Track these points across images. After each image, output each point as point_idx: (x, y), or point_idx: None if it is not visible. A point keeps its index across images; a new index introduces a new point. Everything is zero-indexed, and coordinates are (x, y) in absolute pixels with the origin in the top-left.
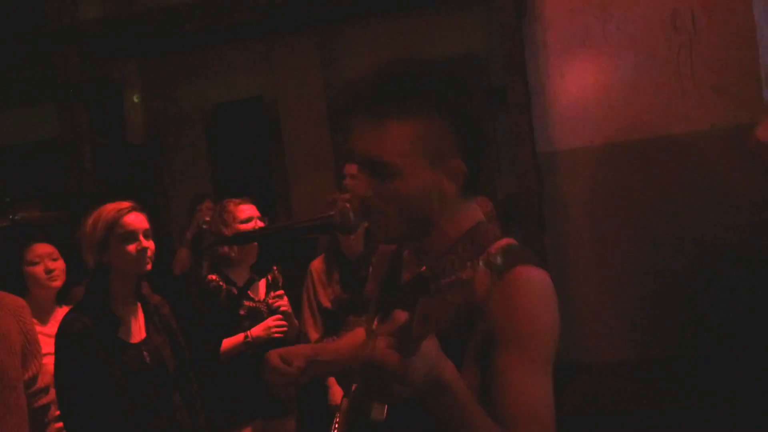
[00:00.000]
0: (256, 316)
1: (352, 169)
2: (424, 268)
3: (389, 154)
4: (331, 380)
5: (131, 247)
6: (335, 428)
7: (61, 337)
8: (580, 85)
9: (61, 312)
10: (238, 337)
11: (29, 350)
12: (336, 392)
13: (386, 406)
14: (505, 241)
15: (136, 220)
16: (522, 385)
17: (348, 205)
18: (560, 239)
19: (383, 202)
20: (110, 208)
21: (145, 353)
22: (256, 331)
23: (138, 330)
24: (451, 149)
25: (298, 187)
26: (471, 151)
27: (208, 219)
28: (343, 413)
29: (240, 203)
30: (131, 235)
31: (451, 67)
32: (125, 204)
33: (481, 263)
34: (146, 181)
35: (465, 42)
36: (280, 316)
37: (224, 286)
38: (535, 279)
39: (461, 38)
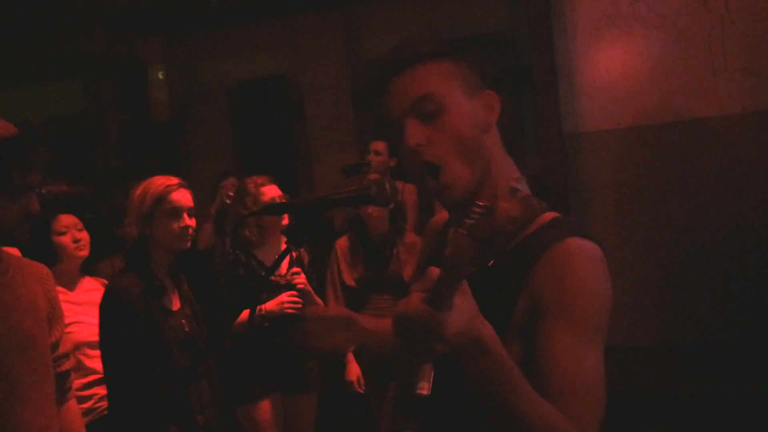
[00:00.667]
0: (274, 289)
1: (378, 146)
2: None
3: (427, 87)
4: (350, 356)
5: (176, 224)
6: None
7: (116, 301)
8: (608, 66)
9: (87, 282)
10: (254, 310)
11: (54, 316)
12: (352, 369)
13: (431, 381)
14: (553, 214)
15: (183, 197)
16: (573, 358)
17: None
18: (584, 221)
19: (438, 147)
20: (159, 182)
21: (183, 321)
22: (270, 305)
23: (174, 300)
24: (483, 84)
25: (320, 165)
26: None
27: (231, 194)
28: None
29: (262, 184)
30: (177, 212)
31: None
32: (174, 180)
33: (505, 192)
34: (169, 157)
35: (490, 20)
36: (295, 292)
37: (243, 258)
38: (587, 250)
39: (487, 16)
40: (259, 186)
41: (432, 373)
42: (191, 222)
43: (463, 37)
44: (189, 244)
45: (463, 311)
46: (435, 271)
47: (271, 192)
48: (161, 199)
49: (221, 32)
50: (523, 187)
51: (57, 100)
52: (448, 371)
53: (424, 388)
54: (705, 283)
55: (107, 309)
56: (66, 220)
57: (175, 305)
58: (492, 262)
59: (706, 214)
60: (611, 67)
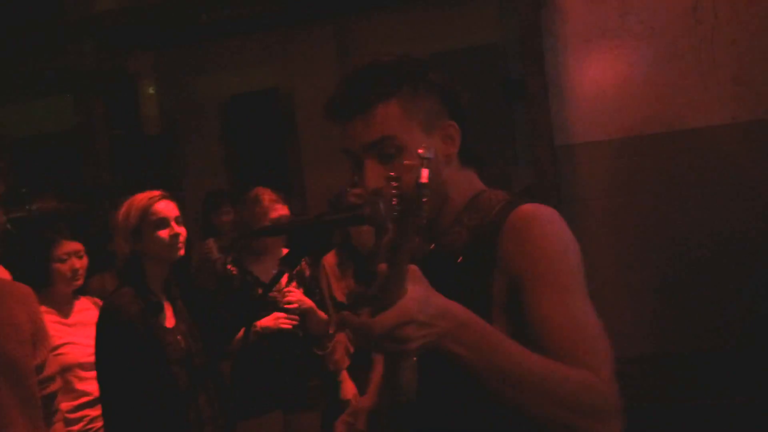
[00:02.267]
0: (270, 306)
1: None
2: (433, 246)
3: (385, 129)
4: (343, 375)
5: (164, 233)
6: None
7: (114, 317)
8: (598, 78)
9: (80, 303)
10: (249, 327)
11: (38, 337)
12: (347, 387)
13: (413, 387)
14: (507, 194)
15: (167, 207)
16: (565, 314)
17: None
18: (577, 233)
19: (399, 186)
20: (141, 197)
21: (179, 338)
22: (265, 322)
23: (170, 316)
24: (439, 112)
25: (312, 179)
26: (456, 115)
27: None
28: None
29: (276, 201)
30: (163, 222)
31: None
32: (155, 192)
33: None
34: (161, 171)
35: (481, 33)
36: (291, 307)
37: (237, 273)
38: (541, 212)
39: (478, 29)
40: (273, 202)
41: (414, 379)
42: (180, 229)
43: (454, 50)
44: (182, 252)
45: (417, 291)
46: (383, 267)
47: (282, 211)
48: (146, 211)
49: (213, 47)
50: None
51: (47, 116)
52: (431, 373)
53: (408, 395)
54: (699, 293)
55: (104, 329)
56: (68, 246)
57: (170, 322)
58: (460, 258)
59: (698, 224)
60: (602, 78)
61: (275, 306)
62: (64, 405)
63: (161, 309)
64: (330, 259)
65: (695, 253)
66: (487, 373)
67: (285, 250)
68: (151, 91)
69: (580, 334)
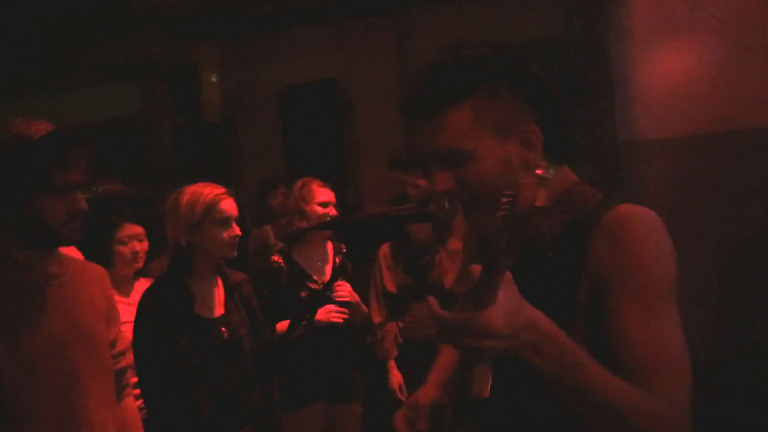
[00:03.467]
0: (318, 299)
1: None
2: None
3: (455, 140)
4: (391, 364)
5: (225, 233)
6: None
7: (139, 311)
8: (665, 74)
9: (140, 284)
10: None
11: (111, 315)
12: (393, 376)
13: (487, 384)
14: (604, 193)
15: (231, 206)
16: (646, 332)
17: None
18: None
19: (468, 191)
20: (208, 191)
21: (223, 329)
22: (317, 315)
23: (218, 305)
24: (517, 115)
25: (368, 170)
26: (541, 113)
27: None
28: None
29: (322, 186)
30: (226, 221)
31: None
32: (221, 188)
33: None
34: (220, 159)
35: (543, 26)
36: (342, 300)
37: (285, 267)
38: (641, 215)
39: (540, 22)
40: (320, 186)
41: (489, 376)
42: (238, 231)
43: (516, 43)
44: (235, 254)
45: (508, 302)
46: (476, 269)
47: (328, 196)
48: (211, 208)
49: (273, 37)
50: (549, 174)
51: (114, 102)
52: (507, 371)
53: (483, 392)
54: (762, 297)
55: (140, 317)
56: (130, 229)
57: (216, 312)
58: (550, 253)
59: (765, 226)
60: (668, 74)
61: (325, 299)
62: (132, 380)
63: (193, 301)
64: (384, 249)
65: (761, 255)
66: (562, 387)
67: (330, 243)
68: (213, 79)
69: (660, 360)
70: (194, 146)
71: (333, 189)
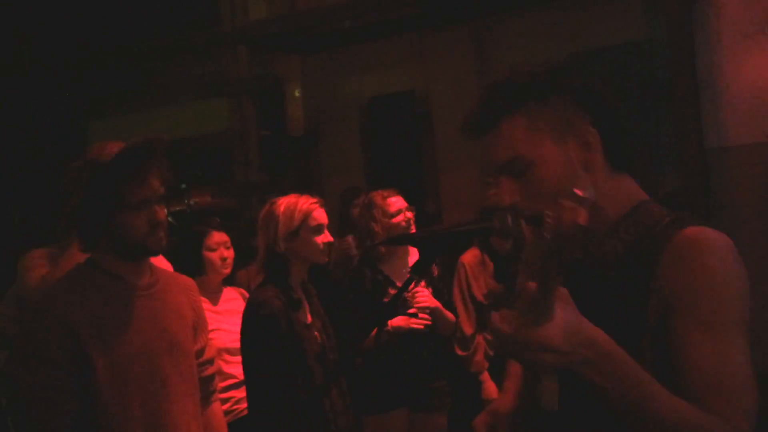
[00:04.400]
0: (401, 306)
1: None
2: (583, 255)
3: (512, 149)
4: (485, 375)
5: (319, 239)
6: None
7: (259, 311)
8: (755, 78)
9: (228, 292)
10: (381, 327)
11: (199, 324)
12: (490, 387)
13: (556, 396)
14: (675, 215)
15: (323, 215)
16: (712, 358)
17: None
18: None
19: (533, 201)
20: (303, 200)
21: (316, 333)
22: (397, 321)
23: (308, 312)
24: (573, 118)
25: (447, 179)
26: (597, 119)
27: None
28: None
29: (387, 196)
30: (320, 228)
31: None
32: (314, 198)
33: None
34: (304, 171)
35: (626, 31)
36: (419, 308)
37: (370, 274)
38: (712, 238)
39: (622, 25)
40: (385, 198)
41: (557, 388)
42: (330, 237)
43: (595, 49)
44: (327, 258)
45: (565, 318)
46: (531, 286)
47: (398, 203)
48: (308, 216)
49: (354, 51)
50: (589, 194)
51: (204, 117)
52: (577, 385)
53: (552, 404)
54: None
55: (249, 320)
56: (218, 237)
57: (308, 318)
58: (613, 273)
59: None
60: (760, 77)
61: (405, 306)
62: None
63: (301, 305)
64: (468, 258)
65: None
66: (621, 405)
67: (413, 250)
68: (296, 93)
69: (725, 384)
70: (279, 159)
71: (400, 193)
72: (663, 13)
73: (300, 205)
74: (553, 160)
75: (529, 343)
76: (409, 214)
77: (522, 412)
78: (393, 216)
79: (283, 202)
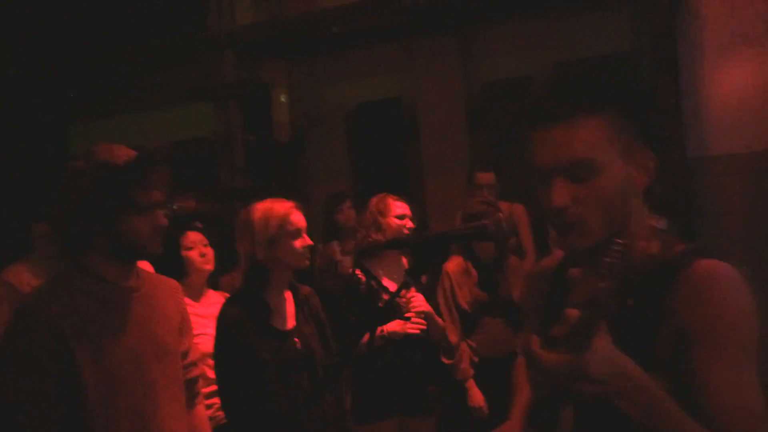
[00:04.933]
0: (394, 311)
1: (484, 177)
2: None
3: (586, 150)
4: (471, 383)
5: (298, 243)
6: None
7: (219, 324)
8: (738, 88)
9: (212, 294)
10: (374, 332)
11: (184, 326)
12: (475, 395)
13: (569, 426)
14: (684, 245)
15: (300, 218)
16: (730, 390)
17: (501, 215)
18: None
19: (584, 207)
20: (279, 205)
21: (296, 339)
22: (392, 326)
23: (290, 318)
24: (640, 143)
25: (432, 186)
26: (655, 147)
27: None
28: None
29: (397, 199)
30: (298, 232)
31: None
32: (290, 202)
33: (645, 230)
34: (290, 177)
35: (611, 41)
36: (415, 312)
37: (364, 279)
38: (723, 271)
39: (607, 37)
40: (395, 200)
41: (571, 418)
42: (309, 241)
43: (581, 59)
44: (308, 263)
45: (605, 349)
46: (573, 313)
47: (404, 209)
48: (285, 221)
49: (341, 57)
50: (662, 225)
51: (189, 122)
52: (590, 416)
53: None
54: None
55: (216, 330)
56: (193, 236)
57: (289, 324)
58: (632, 301)
59: None
60: (741, 88)
61: (399, 312)
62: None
63: (269, 313)
64: (452, 266)
65: None
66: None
67: (404, 257)
68: (283, 99)
69: (740, 412)
70: (265, 164)
71: (407, 202)
72: (647, 24)
73: (276, 210)
74: (617, 175)
75: (568, 371)
76: (411, 224)
77: None
78: (399, 217)
79: (259, 209)
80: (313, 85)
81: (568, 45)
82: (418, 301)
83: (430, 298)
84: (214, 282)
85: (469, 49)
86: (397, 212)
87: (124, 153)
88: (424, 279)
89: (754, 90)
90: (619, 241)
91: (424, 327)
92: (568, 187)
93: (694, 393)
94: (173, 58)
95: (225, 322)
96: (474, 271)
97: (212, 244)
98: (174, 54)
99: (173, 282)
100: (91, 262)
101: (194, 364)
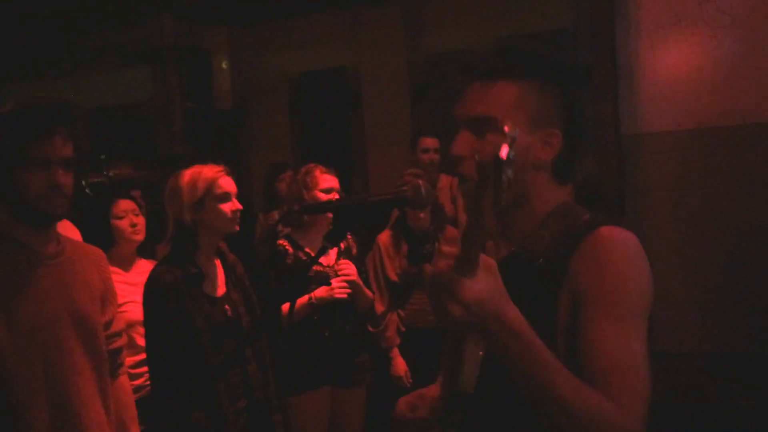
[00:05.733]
0: (323, 280)
1: (426, 142)
2: (513, 247)
3: (494, 109)
4: (395, 351)
5: (226, 207)
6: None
7: (151, 288)
8: (672, 66)
9: (142, 263)
10: (303, 299)
11: (107, 296)
12: (398, 364)
13: (473, 379)
14: (590, 215)
15: (229, 182)
16: (612, 343)
17: (420, 181)
18: (640, 225)
19: (480, 158)
20: (207, 170)
21: (227, 306)
22: (319, 292)
23: (220, 285)
24: (551, 119)
25: (375, 158)
26: (569, 130)
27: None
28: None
29: (325, 172)
30: (227, 196)
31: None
32: (219, 167)
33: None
34: (231, 145)
35: (552, 18)
36: (343, 278)
37: (291, 250)
38: (620, 237)
39: (548, 14)
40: (323, 172)
41: (476, 372)
42: (239, 205)
43: (524, 35)
44: (238, 228)
45: (485, 282)
46: (454, 233)
47: (332, 182)
48: (212, 184)
49: (284, 24)
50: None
51: (126, 87)
52: (493, 370)
53: (468, 386)
54: (761, 292)
55: (145, 294)
56: (124, 205)
57: (220, 291)
58: (540, 260)
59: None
60: (675, 67)
61: (326, 280)
62: (128, 360)
63: (202, 278)
64: (384, 238)
65: (763, 251)
66: (519, 377)
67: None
68: (224, 66)
69: (622, 369)
70: (205, 132)
71: (338, 175)
72: (587, 2)
73: (204, 174)
74: (517, 141)
75: (445, 289)
76: (337, 197)
77: (441, 396)
78: (324, 191)
79: (187, 173)
80: (256, 53)
81: (511, 20)
82: (348, 268)
83: (363, 269)
84: (151, 250)
85: (414, 20)
86: (324, 186)
87: (15, 106)
88: (354, 251)
89: (686, 70)
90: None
91: (350, 291)
92: (468, 140)
93: (580, 350)
94: (111, 21)
95: (156, 286)
96: (405, 244)
97: (149, 212)
98: (112, 17)
99: (98, 251)
100: (5, 225)
101: (118, 334)
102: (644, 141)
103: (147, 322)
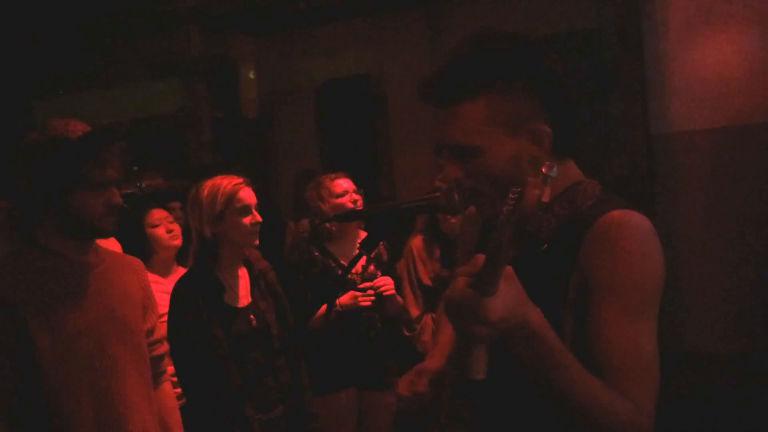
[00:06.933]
0: (349, 286)
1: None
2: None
3: (465, 136)
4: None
5: (246, 220)
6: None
7: (172, 303)
8: (700, 65)
9: (181, 271)
10: (331, 306)
11: (148, 304)
12: None
13: (485, 365)
14: (602, 193)
15: (249, 194)
16: (624, 335)
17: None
18: (670, 225)
19: (475, 180)
20: (227, 182)
21: (251, 317)
22: (344, 299)
23: (244, 295)
24: (530, 113)
25: (401, 162)
26: (553, 110)
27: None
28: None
29: (335, 178)
30: (247, 209)
31: (518, 34)
32: (239, 179)
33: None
34: (258, 153)
35: (576, 17)
36: (368, 284)
37: (320, 256)
38: (632, 222)
39: (574, 12)
40: (333, 179)
41: (486, 358)
42: (259, 218)
43: (547, 35)
44: (257, 240)
45: (508, 296)
46: (481, 258)
47: (345, 185)
48: (232, 197)
49: (309, 32)
50: (553, 173)
51: (155, 98)
52: (506, 357)
53: (479, 373)
54: None
55: (169, 309)
56: (158, 213)
57: (244, 301)
58: (546, 246)
59: None
60: (705, 65)
61: (353, 286)
62: (170, 369)
63: (223, 291)
64: (417, 242)
65: None
66: (540, 380)
67: (363, 233)
68: (251, 75)
69: (634, 362)
70: (233, 141)
71: (349, 176)
72: (612, 1)
73: (223, 188)
74: (501, 153)
75: (468, 313)
76: (356, 196)
77: (447, 375)
78: (339, 196)
79: (207, 186)
80: (281, 61)
81: (535, 21)
82: (387, 285)
83: (394, 275)
84: (185, 258)
85: (437, 25)
86: (338, 191)
87: (79, 128)
88: (385, 257)
89: (716, 68)
90: (514, 189)
91: (374, 298)
92: (457, 164)
93: (590, 339)
94: (139, 33)
95: (176, 300)
96: (438, 248)
97: (181, 222)
98: (140, 29)
99: (136, 260)
100: (45, 237)
101: (159, 341)
102: (675, 140)
103: (170, 337)
